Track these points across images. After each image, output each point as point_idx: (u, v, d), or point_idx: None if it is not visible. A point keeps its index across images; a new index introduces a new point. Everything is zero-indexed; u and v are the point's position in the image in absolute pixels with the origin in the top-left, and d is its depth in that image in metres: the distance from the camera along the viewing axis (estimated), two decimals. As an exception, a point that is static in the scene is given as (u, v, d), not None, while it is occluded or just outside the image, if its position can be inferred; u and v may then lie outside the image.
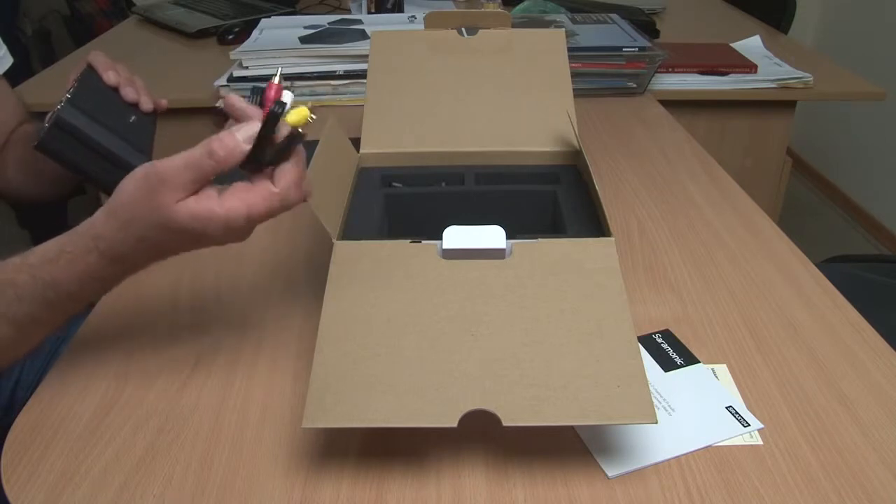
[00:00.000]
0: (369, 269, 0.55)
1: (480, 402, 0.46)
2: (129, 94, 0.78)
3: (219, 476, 0.50)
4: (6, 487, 0.49)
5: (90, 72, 0.78)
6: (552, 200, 0.68)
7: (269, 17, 1.49)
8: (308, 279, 0.71)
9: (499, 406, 0.46)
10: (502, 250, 0.55)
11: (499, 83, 0.77)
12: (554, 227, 0.68)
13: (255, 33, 1.27)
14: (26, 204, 0.89)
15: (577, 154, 0.72)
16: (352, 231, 0.62)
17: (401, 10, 1.54)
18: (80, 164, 0.72)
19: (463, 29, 0.80)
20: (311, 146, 0.61)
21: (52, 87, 1.27)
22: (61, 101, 0.71)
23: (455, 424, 0.45)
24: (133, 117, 0.77)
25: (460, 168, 0.72)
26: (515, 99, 0.76)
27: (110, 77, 0.78)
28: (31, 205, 0.87)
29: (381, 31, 0.80)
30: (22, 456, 0.51)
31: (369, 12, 1.54)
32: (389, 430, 0.53)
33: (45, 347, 0.87)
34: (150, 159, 0.75)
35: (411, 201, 0.69)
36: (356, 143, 0.73)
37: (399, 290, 0.53)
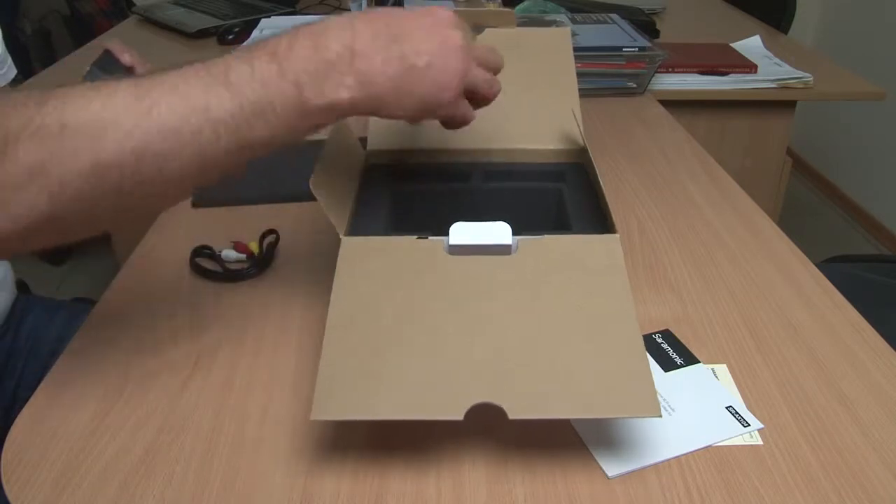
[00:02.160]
0: (376, 265, 0.55)
1: (486, 395, 0.47)
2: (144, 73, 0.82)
3: (219, 475, 0.50)
4: (6, 487, 0.49)
5: (108, 54, 0.84)
6: (558, 198, 0.68)
7: (269, 17, 1.49)
8: (307, 278, 0.71)
9: (504, 399, 0.46)
10: (508, 246, 0.55)
11: (504, 81, 0.77)
12: (559, 225, 0.68)
13: (255, 33, 1.27)
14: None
15: (582, 152, 0.72)
16: (359, 227, 0.62)
17: (401, 10, 1.54)
18: None
19: None
20: (318, 145, 0.61)
21: (52, 87, 1.27)
22: (86, 69, 0.79)
23: (461, 417, 0.46)
24: None
25: (467, 165, 0.72)
26: (521, 97, 0.76)
27: (126, 58, 0.82)
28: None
29: None
30: (22, 456, 0.51)
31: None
32: (391, 426, 0.53)
33: (45, 346, 0.88)
34: None
35: (418, 198, 0.70)
36: (361, 142, 0.73)
37: (406, 286, 0.54)
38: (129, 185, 0.45)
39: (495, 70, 0.58)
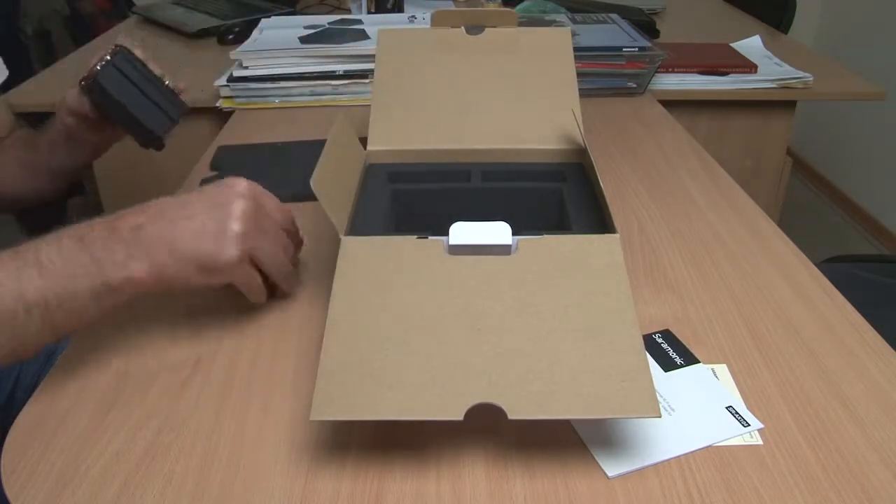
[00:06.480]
0: (376, 265, 0.55)
1: (486, 395, 0.47)
2: (156, 68, 0.86)
3: (219, 475, 0.50)
4: (6, 487, 0.49)
5: (123, 49, 0.85)
6: (558, 198, 0.69)
7: (269, 17, 1.49)
8: (307, 278, 0.71)
9: (504, 399, 0.46)
10: (508, 246, 0.55)
11: (505, 81, 0.77)
12: (559, 224, 0.68)
13: (255, 33, 1.27)
14: (24, 205, 0.92)
15: (582, 152, 0.72)
16: (359, 227, 0.63)
17: (401, 10, 1.54)
18: (126, 101, 0.81)
19: (467, 27, 0.80)
20: (319, 144, 0.61)
21: (52, 87, 1.27)
22: (106, 56, 0.81)
23: (461, 418, 0.46)
24: (167, 82, 0.87)
25: (467, 165, 0.72)
26: (521, 97, 0.76)
27: (139, 52, 0.84)
28: (28, 206, 0.89)
29: (387, 29, 0.80)
30: (22, 456, 0.51)
31: (369, 12, 1.54)
32: (391, 426, 0.53)
33: (44, 347, 0.88)
34: (181, 112, 0.85)
35: (418, 198, 0.70)
36: (361, 142, 0.73)
37: (406, 286, 0.54)
38: None
39: (271, 273, 0.62)
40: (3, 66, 0.94)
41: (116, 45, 0.83)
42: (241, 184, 0.59)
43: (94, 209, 1.45)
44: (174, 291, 0.57)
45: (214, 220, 0.56)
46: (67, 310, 0.53)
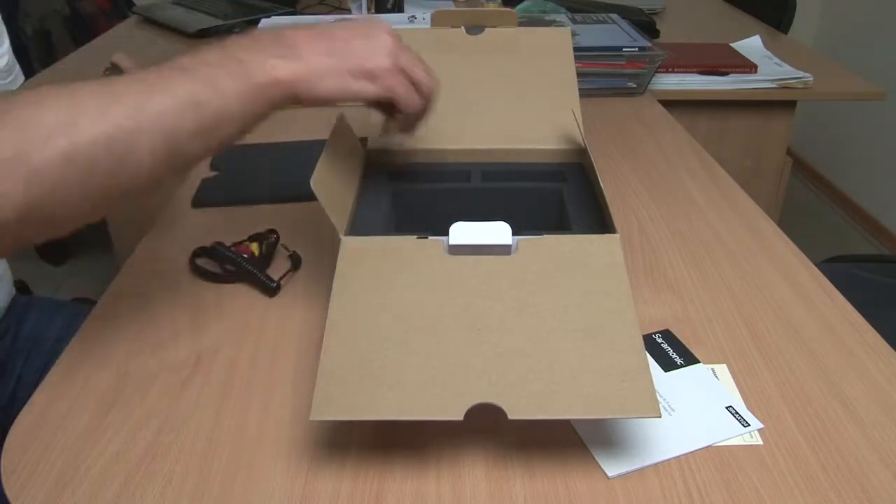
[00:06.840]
0: (376, 265, 0.55)
1: (486, 395, 0.47)
2: None
3: (219, 475, 0.50)
4: (6, 487, 0.49)
5: (116, 67, 0.82)
6: (558, 198, 0.69)
7: (269, 17, 1.49)
8: (307, 278, 0.71)
9: (504, 399, 0.46)
10: (508, 246, 0.55)
11: (505, 81, 0.77)
12: (559, 224, 0.68)
13: (255, 33, 1.27)
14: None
15: (582, 152, 0.72)
16: (359, 227, 0.63)
17: (401, 10, 1.54)
18: None
19: (467, 27, 0.80)
20: (319, 144, 0.61)
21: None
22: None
23: (461, 418, 0.46)
24: None
25: (467, 165, 0.72)
26: (522, 97, 0.76)
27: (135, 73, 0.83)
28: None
29: None
30: (22, 456, 0.51)
31: (369, 12, 1.54)
32: (391, 426, 0.53)
33: (45, 346, 0.88)
34: None
35: (418, 198, 0.70)
36: (362, 142, 0.73)
37: (405, 286, 0.54)
38: (100, 170, 0.46)
39: (421, 82, 0.60)
40: (20, 72, 0.94)
41: (111, 64, 0.82)
42: (380, 22, 0.59)
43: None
44: (313, 100, 0.55)
45: (365, 35, 0.56)
46: (216, 111, 0.51)
